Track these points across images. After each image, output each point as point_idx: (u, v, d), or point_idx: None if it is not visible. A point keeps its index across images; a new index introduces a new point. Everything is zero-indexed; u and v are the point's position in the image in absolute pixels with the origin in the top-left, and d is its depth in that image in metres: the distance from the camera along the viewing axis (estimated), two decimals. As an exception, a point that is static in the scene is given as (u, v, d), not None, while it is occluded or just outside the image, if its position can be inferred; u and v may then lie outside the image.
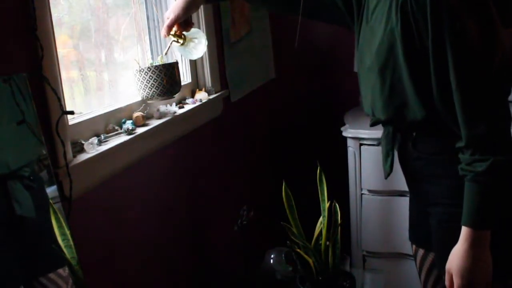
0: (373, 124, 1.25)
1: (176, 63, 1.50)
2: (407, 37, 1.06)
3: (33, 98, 0.98)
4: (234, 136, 2.10)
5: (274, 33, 2.45)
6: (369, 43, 1.17)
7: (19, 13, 1.00)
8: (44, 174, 1.00)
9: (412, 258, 1.38)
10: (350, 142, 2.20)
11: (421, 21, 1.03)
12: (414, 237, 1.36)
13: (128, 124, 1.33)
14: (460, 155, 1.06)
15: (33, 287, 0.94)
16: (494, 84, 1.03)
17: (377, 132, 1.96)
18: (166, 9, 1.68)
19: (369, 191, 2.19)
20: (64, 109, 1.09)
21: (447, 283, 1.12)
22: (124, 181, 1.33)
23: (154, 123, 1.42)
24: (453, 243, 1.09)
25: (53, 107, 1.07)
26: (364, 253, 2.27)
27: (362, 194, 2.21)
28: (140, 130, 1.35)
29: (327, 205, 1.67)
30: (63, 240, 1.02)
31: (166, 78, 1.44)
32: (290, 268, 1.78)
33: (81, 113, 1.28)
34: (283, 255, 1.81)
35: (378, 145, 2.09)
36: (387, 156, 1.25)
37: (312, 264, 1.65)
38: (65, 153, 1.08)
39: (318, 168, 1.69)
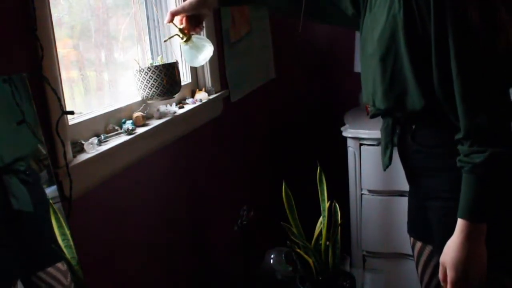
0: (372, 116, 1.24)
1: (176, 63, 1.50)
2: (409, 24, 1.05)
3: (33, 98, 0.98)
4: (234, 136, 2.10)
5: (274, 33, 2.45)
6: (371, 30, 1.16)
7: (19, 13, 1.00)
8: (44, 174, 1.00)
9: (412, 258, 1.38)
10: (350, 142, 2.20)
11: (424, 7, 1.02)
12: (413, 230, 1.35)
13: (128, 124, 1.33)
14: (459, 147, 1.05)
15: (32, 281, 0.94)
16: (496, 74, 1.01)
17: (377, 132, 1.95)
18: (166, 9, 1.68)
19: (369, 191, 2.19)
20: (64, 109, 1.09)
21: (440, 275, 1.11)
22: (124, 181, 1.33)
23: (154, 123, 1.42)
24: None
25: (53, 107, 1.07)
26: (364, 253, 2.27)
27: (362, 194, 2.21)
28: (140, 130, 1.35)
29: (327, 205, 1.67)
30: (63, 240, 1.02)
31: (166, 78, 1.44)
32: (290, 268, 1.79)
33: (81, 113, 1.28)
34: (283, 255, 1.81)
35: (378, 145, 2.09)
36: (386, 149, 1.24)
37: (312, 264, 1.65)
38: (65, 153, 1.08)
39: (318, 168, 1.69)
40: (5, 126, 0.92)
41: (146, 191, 1.45)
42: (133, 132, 1.33)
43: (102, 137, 1.26)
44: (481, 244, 1.05)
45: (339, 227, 1.66)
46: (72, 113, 1.12)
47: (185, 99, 1.69)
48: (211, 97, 1.76)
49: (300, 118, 2.78)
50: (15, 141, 0.95)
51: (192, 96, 1.74)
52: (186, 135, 1.65)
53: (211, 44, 1.44)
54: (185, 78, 1.76)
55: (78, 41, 1.36)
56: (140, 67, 1.44)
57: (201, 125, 1.75)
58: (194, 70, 1.79)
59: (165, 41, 1.48)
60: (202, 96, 1.72)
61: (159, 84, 1.43)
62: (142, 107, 1.45)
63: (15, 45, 1.00)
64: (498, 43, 1.01)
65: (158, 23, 1.66)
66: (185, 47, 1.43)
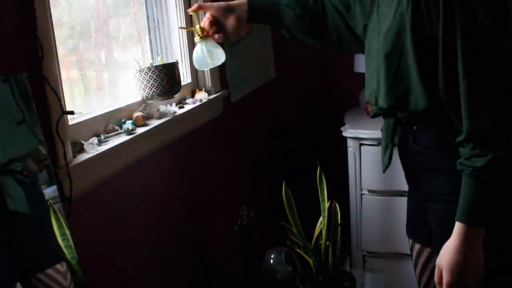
0: (374, 116, 1.23)
1: (176, 63, 1.50)
2: (417, 22, 1.04)
3: (33, 98, 0.98)
4: (234, 136, 2.09)
5: (274, 33, 2.45)
6: (378, 28, 1.15)
7: (19, 13, 1.00)
8: (44, 174, 1.00)
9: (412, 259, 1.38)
10: (350, 142, 2.20)
11: (433, 6, 1.01)
12: (411, 232, 1.34)
13: (128, 124, 1.33)
14: (460, 149, 1.04)
15: (31, 283, 0.94)
16: (503, 76, 1.01)
17: (377, 132, 1.96)
18: (166, 9, 1.68)
19: (369, 191, 2.19)
20: (64, 109, 1.09)
21: (436, 278, 1.10)
22: (124, 181, 1.33)
23: (154, 123, 1.42)
24: None
25: (53, 107, 1.07)
26: (364, 253, 2.27)
27: (362, 194, 2.21)
28: (140, 130, 1.35)
29: (327, 205, 1.67)
30: (63, 240, 1.02)
31: (166, 78, 1.44)
32: (290, 268, 1.78)
33: (81, 113, 1.28)
34: (283, 255, 1.81)
35: (378, 145, 2.09)
36: (386, 148, 1.23)
37: (312, 264, 1.65)
38: (65, 153, 1.08)
39: (318, 168, 1.69)
40: (5, 126, 0.92)
41: (146, 191, 1.45)
42: (133, 132, 1.33)
43: (102, 137, 1.26)
44: (478, 248, 1.04)
45: (339, 227, 1.66)
46: (72, 113, 1.12)
47: (185, 99, 1.69)
48: (211, 97, 1.76)
49: (300, 118, 2.78)
50: (14, 141, 0.95)
51: (192, 96, 1.74)
52: (186, 135, 1.65)
53: (224, 55, 1.36)
54: (185, 78, 1.76)
55: (78, 41, 1.36)
56: (140, 67, 1.44)
57: (201, 125, 1.75)
58: (194, 70, 1.79)
59: (181, 27, 1.44)
60: (202, 96, 1.72)
61: (159, 84, 1.43)
62: (142, 107, 1.45)
63: (15, 45, 1.00)
64: (507, 45, 1.00)
65: (158, 23, 1.66)
66: (199, 47, 1.34)
